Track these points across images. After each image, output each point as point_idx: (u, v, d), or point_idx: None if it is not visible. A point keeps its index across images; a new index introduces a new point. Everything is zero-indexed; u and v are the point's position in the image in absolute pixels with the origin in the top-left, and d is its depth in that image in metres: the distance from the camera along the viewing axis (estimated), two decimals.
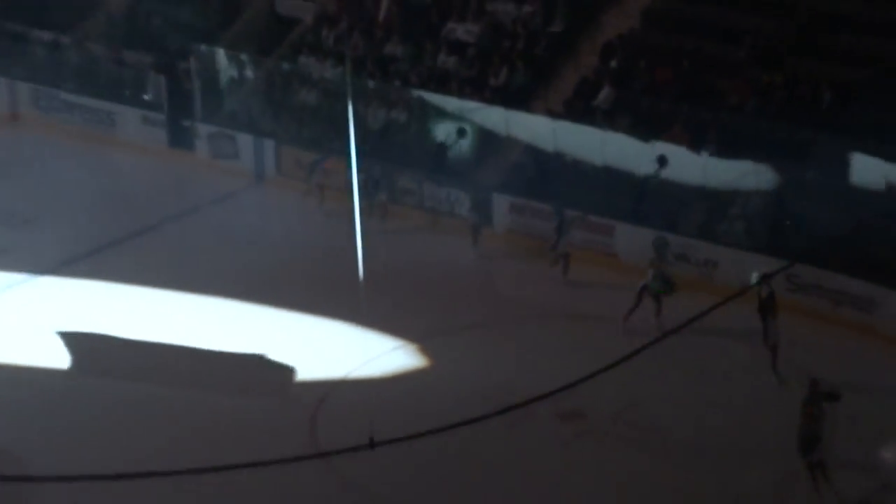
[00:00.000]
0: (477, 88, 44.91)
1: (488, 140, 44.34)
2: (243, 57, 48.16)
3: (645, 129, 42.07)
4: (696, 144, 41.09)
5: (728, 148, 40.68)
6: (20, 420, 34.76)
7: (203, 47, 48.36)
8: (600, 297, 39.35)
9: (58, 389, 36.25)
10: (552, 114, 43.70)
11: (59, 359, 37.51)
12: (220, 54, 48.47)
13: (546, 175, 42.81)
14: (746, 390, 35.32)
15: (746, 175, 40.16)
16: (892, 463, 31.65)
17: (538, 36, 45.49)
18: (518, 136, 44.09)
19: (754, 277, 33.95)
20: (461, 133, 43.19)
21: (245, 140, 46.59)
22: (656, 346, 32.53)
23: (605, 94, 43.20)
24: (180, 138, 47.63)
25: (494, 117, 44.28)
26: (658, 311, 37.12)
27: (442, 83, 45.34)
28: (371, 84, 45.85)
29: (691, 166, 40.92)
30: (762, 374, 35.37)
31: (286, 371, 36.80)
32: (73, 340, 38.19)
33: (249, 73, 47.94)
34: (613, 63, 43.99)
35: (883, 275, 37.14)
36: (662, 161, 39.88)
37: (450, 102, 44.85)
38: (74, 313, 39.40)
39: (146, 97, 48.46)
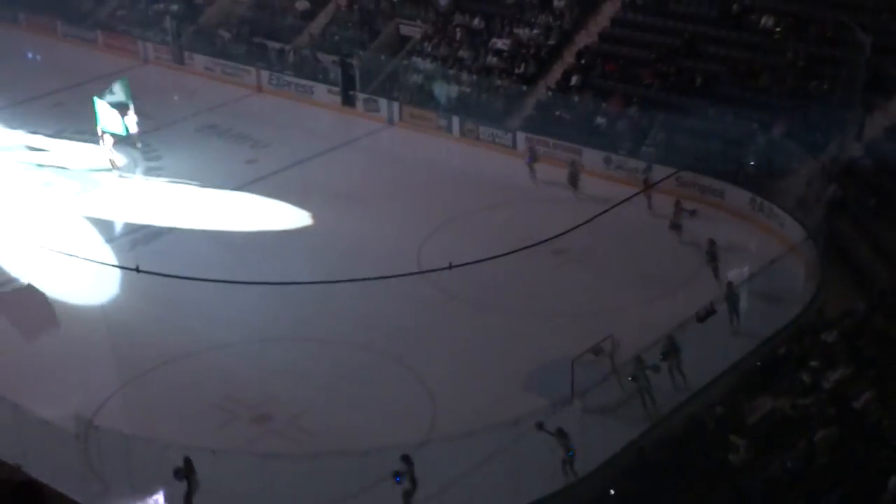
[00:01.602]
0: (508, 75, 44.49)
1: (514, 101, 43.85)
2: (382, 57, 47.78)
3: (598, 97, 41.81)
4: (626, 106, 40.83)
5: (644, 108, 40.41)
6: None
7: (361, 52, 47.99)
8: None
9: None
10: (549, 89, 43.39)
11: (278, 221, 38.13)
12: (369, 56, 48.05)
13: (546, 120, 42.46)
14: (658, 236, 35.37)
15: (654, 122, 39.89)
16: (736, 278, 31.79)
17: (541, 47, 44.93)
18: (530, 100, 43.68)
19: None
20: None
21: (383, 102, 46.07)
22: (607, 213, 32.88)
23: (576, 79, 42.87)
24: (348, 100, 47.06)
25: (518, 90, 43.85)
26: None
27: (489, 72, 44.91)
28: (451, 72, 45.35)
29: (625, 118, 40.66)
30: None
31: (403, 228, 37.02)
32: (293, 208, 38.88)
33: (385, 65, 47.60)
34: (582, 61, 43.57)
35: (727, 175, 37.19)
36: None
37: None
38: (295, 193, 39.76)
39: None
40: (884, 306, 27.62)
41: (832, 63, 38.94)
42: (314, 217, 38.26)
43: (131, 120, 42.33)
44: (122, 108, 42.16)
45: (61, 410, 26.51)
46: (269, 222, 37.96)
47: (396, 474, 23.66)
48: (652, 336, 27.69)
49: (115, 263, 30.98)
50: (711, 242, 32.22)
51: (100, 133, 41.20)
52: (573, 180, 38.25)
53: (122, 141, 42.24)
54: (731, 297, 29.81)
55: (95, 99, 41.14)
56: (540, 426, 24.42)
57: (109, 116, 40.84)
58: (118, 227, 38.01)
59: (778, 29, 40.70)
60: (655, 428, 26.10)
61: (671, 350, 27.47)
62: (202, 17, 53.57)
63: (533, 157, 39.67)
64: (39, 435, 25.53)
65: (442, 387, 28.73)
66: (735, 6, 41.88)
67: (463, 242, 34.54)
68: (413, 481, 23.80)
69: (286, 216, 38.27)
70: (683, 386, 27.56)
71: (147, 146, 43.25)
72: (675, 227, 34.88)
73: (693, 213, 35.70)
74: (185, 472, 24.40)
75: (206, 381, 29.39)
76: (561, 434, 24.52)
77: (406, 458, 23.72)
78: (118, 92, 42.09)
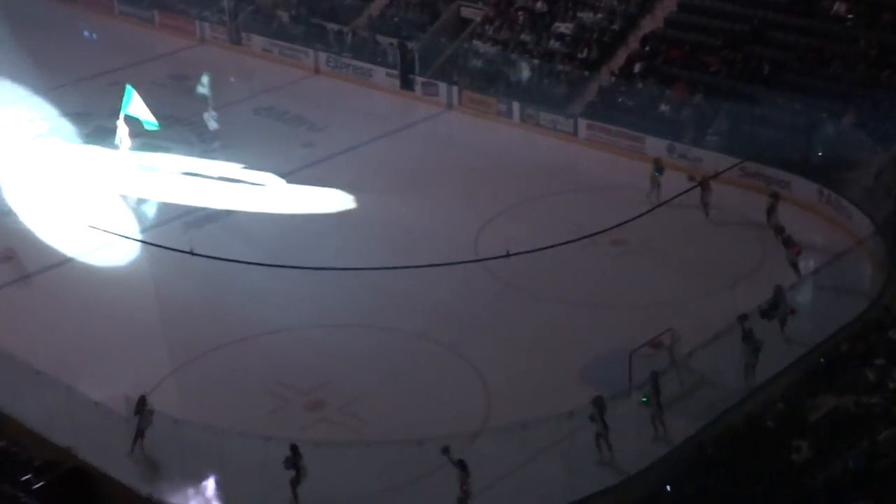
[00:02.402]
0: (571, 60, 44.40)
1: (576, 87, 43.78)
2: (442, 40, 47.85)
3: (662, 84, 41.67)
4: (691, 93, 40.64)
5: (710, 96, 40.17)
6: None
7: (421, 35, 48.16)
8: (635, 175, 38.18)
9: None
10: (612, 74, 43.32)
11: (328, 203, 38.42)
12: (429, 38, 48.13)
13: (608, 107, 42.35)
14: (720, 228, 35.45)
15: (719, 110, 39.60)
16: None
17: (605, 31, 44.85)
18: (592, 86, 43.62)
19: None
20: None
21: (442, 86, 46.09)
22: (665, 205, 32.96)
23: (640, 65, 42.69)
24: (407, 84, 47.12)
25: (580, 76, 43.81)
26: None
27: (551, 57, 44.82)
28: (513, 56, 45.34)
29: (689, 106, 40.43)
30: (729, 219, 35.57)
31: (460, 215, 37.02)
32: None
33: (445, 49, 47.52)
34: (647, 46, 43.42)
35: (794, 166, 36.87)
36: None
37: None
38: (351, 178, 40.02)
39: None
40: None
41: None
42: (370, 202, 38.42)
43: (211, 117, 42.93)
44: (204, 103, 42.68)
45: (113, 393, 26.91)
46: (325, 207, 38.15)
47: (286, 461, 23.94)
48: (711, 331, 27.48)
49: (169, 246, 31.31)
50: (779, 290, 30.01)
51: (121, 118, 41.32)
52: (771, 216, 34.44)
53: (203, 137, 43.14)
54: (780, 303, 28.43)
55: (129, 87, 41.45)
56: (445, 451, 23.40)
57: (138, 106, 41.09)
58: (172, 209, 38.33)
59: (850, 16, 40.37)
60: (715, 424, 25.96)
61: (653, 393, 25.76)
62: None
63: (703, 186, 35.34)
64: (92, 417, 26.03)
65: (497, 376, 28.83)
66: None
67: (521, 230, 34.60)
68: (298, 470, 24.03)
69: (342, 201, 38.45)
70: (664, 437, 25.84)
71: (201, 127, 43.57)
72: (793, 266, 32.02)
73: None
74: (138, 408, 25.28)
75: (258, 366, 29.71)
76: (461, 466, 23.38)
77: (293, 448, 23.95)
78: (205, 86, 42.63)
